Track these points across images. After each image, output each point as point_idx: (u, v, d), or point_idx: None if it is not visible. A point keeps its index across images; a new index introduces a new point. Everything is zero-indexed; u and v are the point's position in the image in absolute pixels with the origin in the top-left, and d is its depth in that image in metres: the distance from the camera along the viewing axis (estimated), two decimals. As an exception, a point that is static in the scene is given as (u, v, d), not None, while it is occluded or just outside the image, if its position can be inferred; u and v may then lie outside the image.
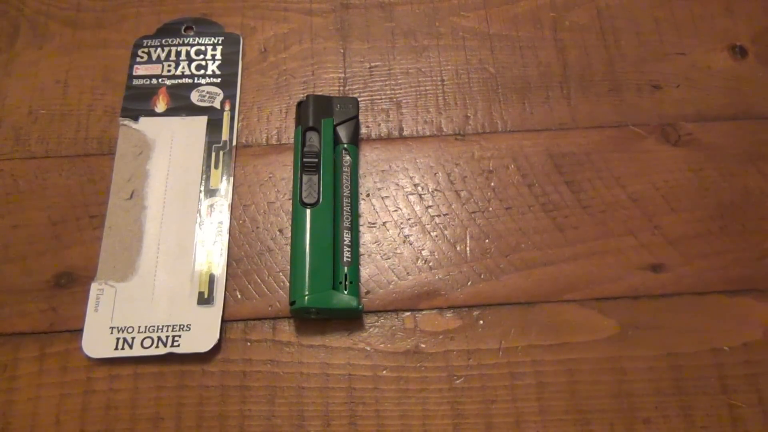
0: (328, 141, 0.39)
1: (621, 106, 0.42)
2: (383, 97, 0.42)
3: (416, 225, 0.39)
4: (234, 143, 0.41)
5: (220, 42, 0.44)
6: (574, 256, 0.38)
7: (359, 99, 0.42)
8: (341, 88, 0.43)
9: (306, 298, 0.34)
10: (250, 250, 0.38)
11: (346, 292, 0.35)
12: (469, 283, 0.37)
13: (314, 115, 0.39)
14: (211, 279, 0.37)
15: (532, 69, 0.43)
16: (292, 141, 0.41)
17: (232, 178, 0.40)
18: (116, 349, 0.35)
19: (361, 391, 0.35)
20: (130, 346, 0.35)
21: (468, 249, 0.38)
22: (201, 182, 0.39)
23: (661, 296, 0.37)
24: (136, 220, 0.38)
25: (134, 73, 0.43)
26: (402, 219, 0.39)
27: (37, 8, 0.45)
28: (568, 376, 0.35)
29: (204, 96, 0.42)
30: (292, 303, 0.35)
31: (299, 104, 0.40)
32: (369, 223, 0.39)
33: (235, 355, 0.35)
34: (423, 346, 0.36)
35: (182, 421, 0.34)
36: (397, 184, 0.40)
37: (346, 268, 0.36)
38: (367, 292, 0.37)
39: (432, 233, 0.38)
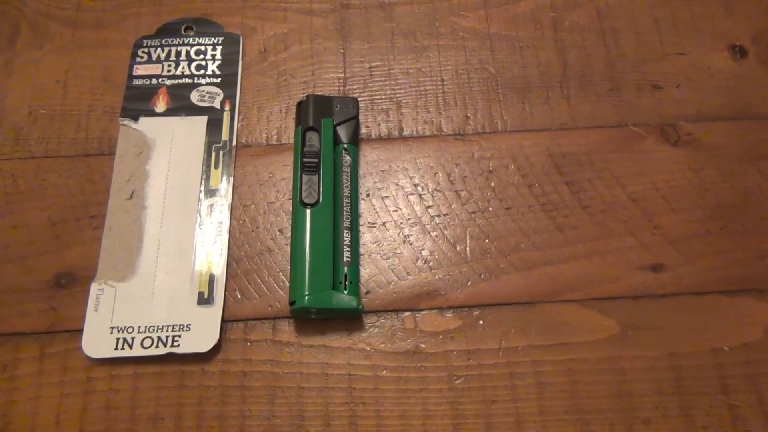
0: (328, 141, 0.39)
1: (621, 106, 0.42)
2: (383, 97, 0.42)
3: (416, 225, 0.39)
4: (234, 143, 0.41)
5: (220, 42, 0.44)
6: (574, 256, 0.38)
7: (359, 99, 0.42)
8: (341, 88, 0.43)
9: (306, 298, 0.34)
10: (250, 250, 0.38)
11: (346, 292, 0.35)
12: (469, 283, 0.37)
13: (314, 115, 0.39)
14: (211, 279, 0.37)
15: (532, 69, 0.43)
16: (292, 141, 0.41)
17: (232, 178, 0.40)
18: (116, 349, 0.35)
19: (361, 391, 0.35)
20: (130, 346, 0.35)
21: (468, 249, 0.38)
22: (201, 182, 0.39)
23: (661, 296, 0.37)
24: (136, 220, 0.38)
25: (134, 73, 0.43)
26: (402, 219, 0.39)
27: (37, 8, 0.45)
28: (568, 376, 0.35)
29: (204, 96, 0.42)
30: (292, 303, 0.35)
31: (299, 104, 0.40)
32: (369, 223, 0.39)
33: (235, 355, 0.35)
34: (423, 346, 0.36)
35: (182, 421, 0.34)
36: (397, 184, 0.40)
37: (346, 268, 0.36)
38: (367, 292, 0.37)
39: (432, 233, 0.38)
